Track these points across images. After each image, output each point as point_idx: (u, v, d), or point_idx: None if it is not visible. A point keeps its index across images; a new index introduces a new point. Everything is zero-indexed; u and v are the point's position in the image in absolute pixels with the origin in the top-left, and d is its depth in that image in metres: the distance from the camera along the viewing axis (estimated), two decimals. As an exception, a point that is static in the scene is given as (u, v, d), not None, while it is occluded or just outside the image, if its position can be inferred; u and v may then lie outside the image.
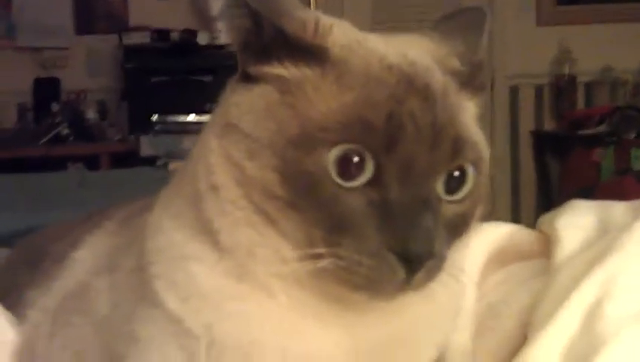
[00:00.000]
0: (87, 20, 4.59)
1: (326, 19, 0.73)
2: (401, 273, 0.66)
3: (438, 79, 0.72)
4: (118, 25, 4.47)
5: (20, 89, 4.44)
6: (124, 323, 0.77)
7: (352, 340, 0.74)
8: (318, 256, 0.68)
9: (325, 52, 0.70)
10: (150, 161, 3.58)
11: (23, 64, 4.50)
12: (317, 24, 0.71)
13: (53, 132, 4.10)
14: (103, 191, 2.47)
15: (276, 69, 0.71)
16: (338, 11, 4.66)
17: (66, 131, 4.13)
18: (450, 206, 0.71)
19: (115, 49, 4.39)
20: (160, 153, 3.62)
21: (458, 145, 0.70)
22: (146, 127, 4.07)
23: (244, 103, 0.72)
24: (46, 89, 4.43)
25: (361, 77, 0.69)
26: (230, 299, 0.73)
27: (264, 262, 0.72)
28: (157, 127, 4.07)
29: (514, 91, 4.93)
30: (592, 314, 0.79)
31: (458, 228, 0.73)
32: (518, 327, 0.85)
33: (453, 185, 0.71)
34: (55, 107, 4.30)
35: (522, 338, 0.83)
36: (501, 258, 0.98)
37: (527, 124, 4.95)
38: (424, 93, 0.69)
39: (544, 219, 1.00)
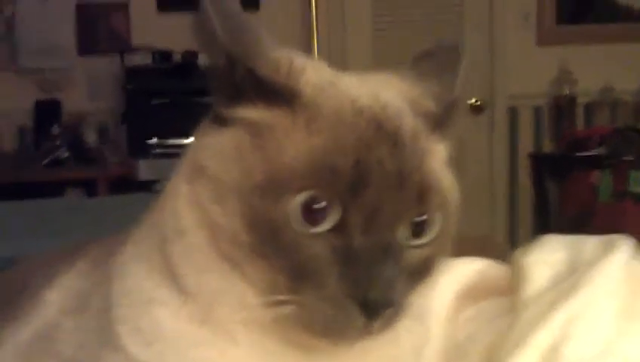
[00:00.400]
0: (89, 41, 4.61)
1: (300, 60, 0.73)
2: (359, 320, 0.67)
3: (409, 123, 0.72)
4: (120, 45, 4.50)
5: (20, 111, 4.46)
6: None
7: None
8: (281, 303, 0.68)
9: (297, 93, 0.70)
10: (148, 185, 3.58)
11: (23, 86, 4.52)
12: (290, 65, 0.71)
13: (53, 155, 4.11)
14: (100, 217, 2.47)
15: (247, 111, 0.71)
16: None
17: (65, 155, 4.15)
18: (414, 251, 0.71)
19: (116, 70, 4.42)
20: (158, 177, 3.62)
21: (424, 192, 0.70)
22: (145, 150, 4.09)
23: (213, 146, 0.72)
24: (47, 111, 4.45)
25: (332, 120, 0.69)
26: (193, 344, 0.73)
27: (228, 307, 0.71)
28: (155, 150, 4.09)
29: (513, 112, 4.94)
30: (550, 357, 0.79)
31: (422, 272, 0.73)
32: None
33: (419, 229, 0.71)
34: (55, 130, 4.32)
35: None
36: (472, 294, 0.98)
37: (526, 146, 4.96)
38: (394, 138, 0.69)
39: (516, 254, 1.00)
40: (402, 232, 0.69)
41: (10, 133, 4.52)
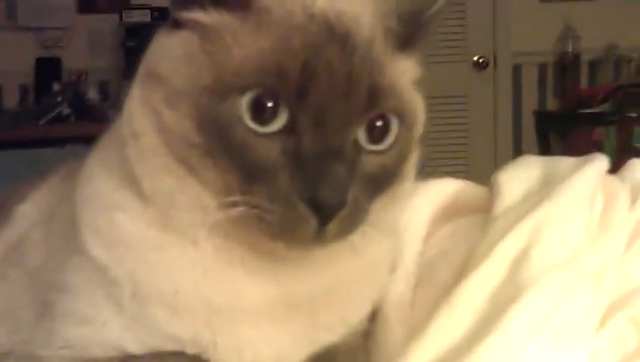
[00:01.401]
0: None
1: None
2: (312, 221, 0.67)
3: (365, 31, 0.72)
4: (119, 3, 4.46)
5: (21, 69, 4.45)
6: (56, 273, 0.78)
7: (280, 292, 0.75)
8: (234, 204, 0.69)
9: None
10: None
11: (24, 44, 4.50)
12: None
13: (54, 112, 4.11)
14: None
15: (198, 15, 0.72)
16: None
17: (67, 111, 4.14)
18: (372, 157, 0.72)
19: (116, 28, 4.39)
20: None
21: (375, 95, 0.70)
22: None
23: (165, 49, 0.73)
24: (47, 69, 4.44)
25: (282, 24, 0.69)
26: (153, 248, 0.74)
27: (185, 210, 0.72)
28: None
29: (517, 69, 4.90)
30: (518, 261, 0.80)
31: (381, 180, 0.73)
32: (453, 277, 0.86)
33: (376, 135, 0.72)
34: (56, 87, 4.31)
35: (453, 284, 0.83)
36: (449, 213, 0.98)
37: (530, 103, 4.92)
38: (344, 41, 0.69)
39: (494, 173, 1.00)
40: (355, 136, 0.70)
41: (12, 91, 4.52)
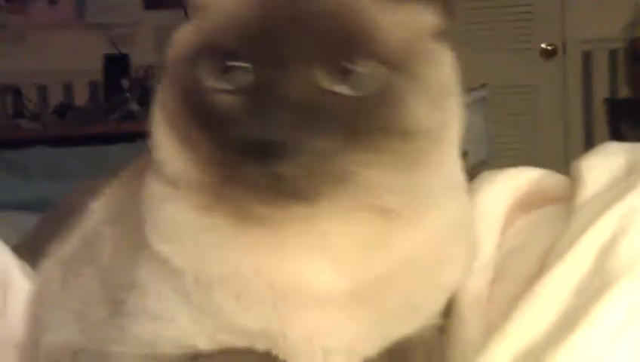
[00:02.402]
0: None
1: None
2: (264, 165, 0.66)
3: None
4: None
5: (90, 67, 4.53)
6: (125, 270, 0.78)
7: (345, 276, 0.73)
8: (218, 174, 0.71)
9: None
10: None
11: (92, 42, 4.59)
12: None
13: (123, 109, 4.18)
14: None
15: None
16: None
17: (135, 107, 4.21)
18: (345, 99, 0.68)
19: (182, 23, 4.42)
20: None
21: (339, 40, 0.68)
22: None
23: (175, 40, 0.78)
24: (116, 66, 4.52)
25: None
26: (204, 230, 0.74)
27: (189, 187, 0.74)
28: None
29: (587, 57, 4.77)
30: (606, 251, 0.76)
31: (361, 125, 0.69)
32: (534, 270, 0.82)
33: (352, 80, 0.69)
34: (125, 83, 4.39)
35: (536, 277, 0.80)
36: (527, 203, 0.95)
37: (601, 91, 4.78)
38: (294, 12, 0.69)
39: (574, 162, 0.96)
40: (317, 80, 0.68)
41: (82, 89, 4.63)
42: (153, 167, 0.79)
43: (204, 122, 0.70)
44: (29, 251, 1.05)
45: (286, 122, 0.65)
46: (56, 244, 0.95)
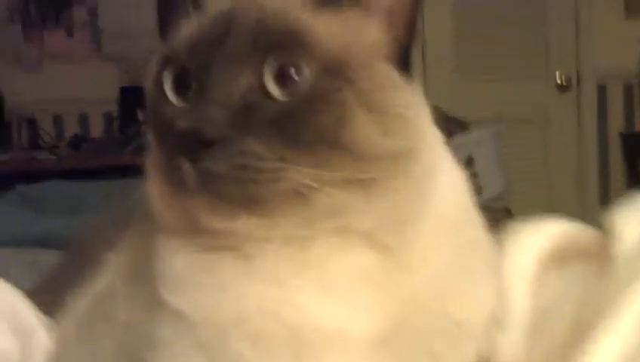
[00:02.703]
0: (170, 25, 4.64)
1: None
2: (185, 164, 0.67)
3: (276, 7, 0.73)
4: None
5: (106, 98, 4.57)
6: (144, 328, 0.77)
7: (365, 320, 0.71)
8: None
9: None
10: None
11: (108, 73, 4.63)
12: None
13: (138, 141, 4.19)
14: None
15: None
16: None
17: (150, 139, 4.20)
18: (281, 104, 0.69)
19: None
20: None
21: (273, 43, 0.70)
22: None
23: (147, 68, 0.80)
24: (131, 97, 4.54)
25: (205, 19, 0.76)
26: (206, 272, 0.73)
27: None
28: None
29: (602, 90, 4.75)
30: None
31: (297, 132, 0.68)
32: (570, 330, 0.80)
33: (282, 83, 0.69)
34: (140, 115, 4.40)
35: (575, 341, 0.78)
36: (558, 256, 0.93)
37: (616, 125, 4.76)
38: (227, 22, 0.73)
39: (605, 214, 0.94)
40: (246, 82, 0.69)
41: (97, 120, 4.64)
42: (155, 219, 0.78)
43: (160, 137, 0.72)
44: (47, 299, 1.03)
45: (215, 119, 0.67)
46: (72, 298, 0.94)
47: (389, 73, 0.74)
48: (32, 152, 4.36)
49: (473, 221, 0.82)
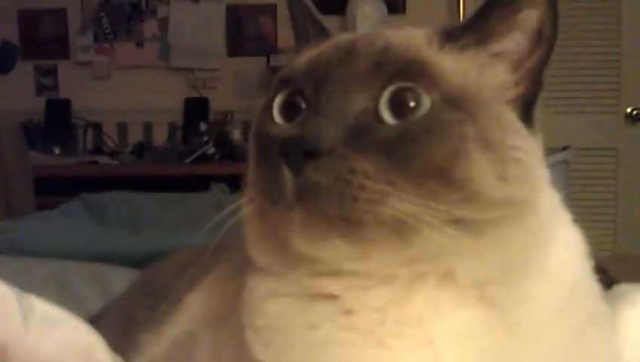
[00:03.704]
0: (237, 42, 4.71)
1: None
2: (287, 173, 0.65)
3: (386, 39, 0.73)
4: (267, 47, 4.56)
5: (171, 108, 4.63)
6: None
7: None
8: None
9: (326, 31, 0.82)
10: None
11: (175, 83, 4.68)
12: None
13: (200, 151, 4.22)
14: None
15: None
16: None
17: (211, 151, 4.24)
18: (394, 131, 0.67)
19: (262, 71, 4.48)
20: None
21: (384, 68, 0.69)
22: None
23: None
24: (195, 108, 4.59)
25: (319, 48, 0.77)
26: (302, 330, 0.70)
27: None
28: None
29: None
30: None
31: (405, 157, 0.66)
32: None
33: (397, 109, 0.68)
34: (203, 126, 4.44)
35: None
36: None
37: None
38: (350, 48, 0.73)
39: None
40: (362, 105, 0.68)
41: (161, 129, 4.69)
42: (248, 264, 0.76)
43: (263, 154, 0.72)
44: (113, 329, 1.02)
45: (325, 132, 0.65)
46: (148, 337, 0.92)
47: (511, 116, 0.71)
48: (96, 157, 4.43)
49: (593, 290, 0.78)
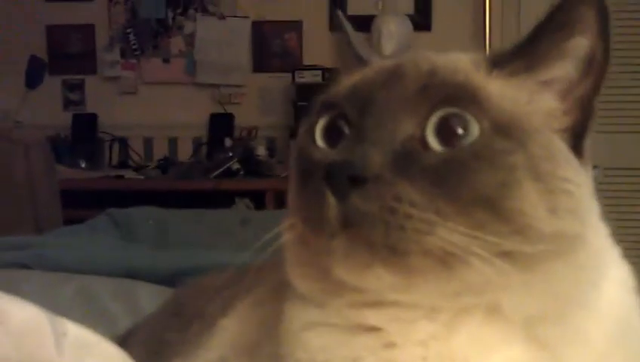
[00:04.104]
0: (263, 58, 4.72)
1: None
2: (331, 199, 0.63)
3: (434, 63, 0.72)
4: (292, 63, 4.57)
5: (196, 123, 4.65)
6: None
7: None
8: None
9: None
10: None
11: (200, 99, 4.70)
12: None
13: (224, 167, 4.23)
14: (264, 231, 2.49)
15: None
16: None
17: (236, 166, 4.25)
18: (434, 153, 0.66)
19: (288, 87, 4.49)
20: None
21: (429, 93, 0.68)
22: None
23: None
24: (220, 124, 4.60)
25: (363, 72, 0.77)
26: (348, 359, 0.68)
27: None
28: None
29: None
30: None
31: (448, 180, 0.64)
32: None
33: (445, 136, 0.67)
34: (228, 142, 4.45)
35: None
36: None
37: None
38: (395, 71, 0.72)
39: None
40: (409, 131, 0.67)
41: (186, 144, 4.72)
42: (284, 288, 0.75)
43: (305, 178, 0.70)
44: (144, 349, 1.01)
45: (372, 158, 0.64)
46: (181, 361, 0.91)
47: (562, 146, 0.70)
48: (121, 171, 4.46)
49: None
